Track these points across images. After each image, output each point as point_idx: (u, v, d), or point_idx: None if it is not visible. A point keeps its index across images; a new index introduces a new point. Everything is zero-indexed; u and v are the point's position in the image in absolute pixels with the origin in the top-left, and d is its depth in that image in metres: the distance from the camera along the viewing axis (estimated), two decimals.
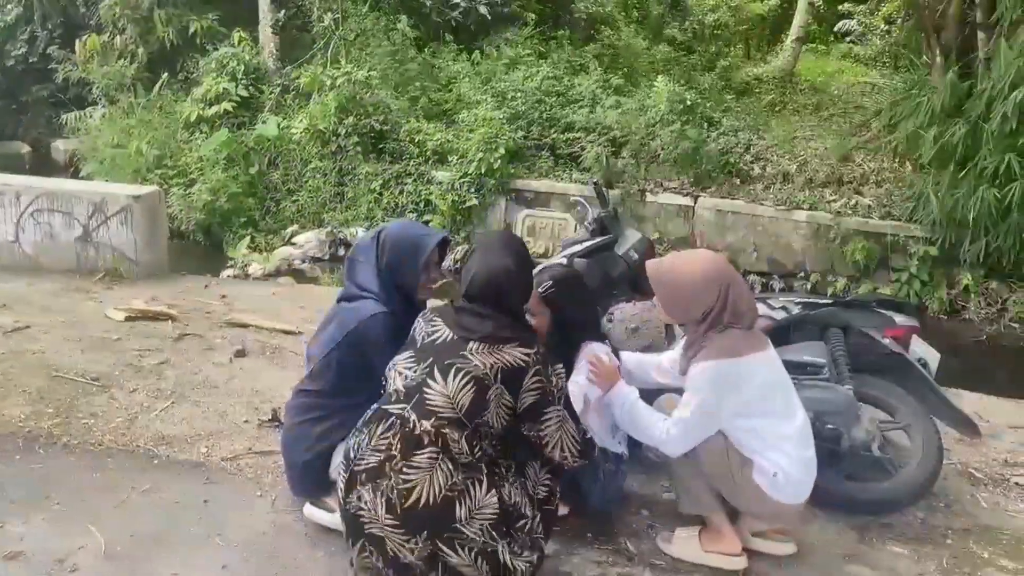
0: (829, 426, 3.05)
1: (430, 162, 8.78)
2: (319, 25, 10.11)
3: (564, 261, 3.54)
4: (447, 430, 2.26)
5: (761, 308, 3.39)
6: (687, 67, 11.74)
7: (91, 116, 10.81)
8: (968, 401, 4.16)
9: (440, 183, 8.55)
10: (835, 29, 13.99)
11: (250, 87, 9.86)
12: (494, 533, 2.27)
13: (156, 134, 9.68)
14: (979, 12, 7.54)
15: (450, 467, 2.25)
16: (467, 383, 2.27)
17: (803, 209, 7.86)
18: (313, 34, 10.38)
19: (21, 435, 3.38)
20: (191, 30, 10.48)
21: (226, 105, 9.56)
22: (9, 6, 12.24)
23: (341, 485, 2.35)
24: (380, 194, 8.81)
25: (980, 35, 7.54)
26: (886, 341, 3.22)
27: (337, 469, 2.46)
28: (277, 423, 3.61)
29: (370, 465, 2.28)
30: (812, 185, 8.17)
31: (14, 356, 4.17)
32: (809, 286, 7.80)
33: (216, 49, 10.23)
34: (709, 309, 2.59)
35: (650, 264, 2.71)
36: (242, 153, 9.21)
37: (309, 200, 9.02)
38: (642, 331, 4.12)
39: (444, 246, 2.91)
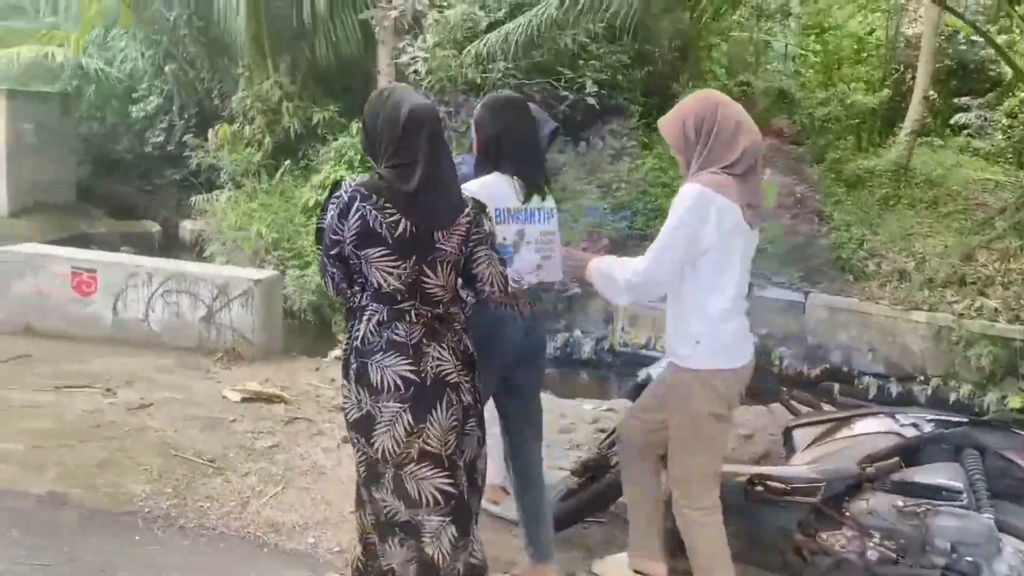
0: (968, 559, 2.82)
1: None
2: None
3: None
4: (452, 309, 2.58)
5: (888, 423, 3.22)
6: (795, 158, 11.60)
7: (217, 199, 11.52)
8: None
9: None
10: (951, 122, 13.61)
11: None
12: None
13: (276, 218, 10.22)
14: None
15: (465, 330, 2.62)
16: (451, 269, 2.55)
17: (922, 310, 7.52)
18: None
19: (141, 514, 3.50)
20: (314, 120, 11.13)
21: None
22: (151, 97, 13.33)
23: (404, 364, 2.47)
24: None
25: None
26: None
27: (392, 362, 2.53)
28: None
29: (423, 332, 2.51)
30: (932, 284, 7.83)
31: (137, 433, 4.36)
32: (929, 391, 7.40)
33: (336, 139, 10.81)
34: (699, 124, 2.63)
35: None
36: None
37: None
38: (756, 438, 3.98)
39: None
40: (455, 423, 2.50)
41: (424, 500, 2.46)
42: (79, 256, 6.25)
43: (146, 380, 5.19)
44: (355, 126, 10.87)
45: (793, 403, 3.63)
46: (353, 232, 2.44)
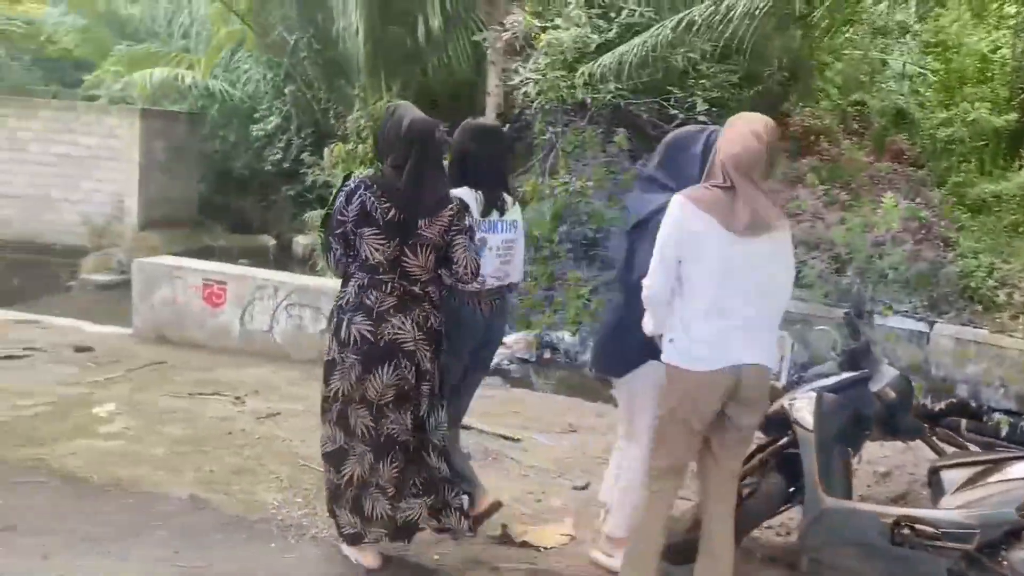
0: None
1: None
2: (541, 138, 10.62)
3: (811, 394, 3.34)
4: (429, 288, 3.13)
5: None
6: (916, 182, 11.13)
7: None
8: None
9: None
10: None
11: None
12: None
13: None
14: None
15: (436, 307, 3.17)
16: (430, 252, 3.09)
17: None
18: (534, 145, 10.91)
19: (275, 522, 3.62)
20: None
21: None
22: (271, 117, 13.92)
23: (366, 326, 3.03)
24: (588, 300, 8.90)
25: None
26: None
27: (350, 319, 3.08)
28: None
29: (393, 303, 3.06)
30: None
31: (266, 441, 4.53)
32: None
33: (445, 159, 10.97)
34: (711, 139, 2.90)
35: None
36: None
37: (518, 302, 9.25)
38: (894, 476, 3.80)
39: None
40: (399, 381, 3.06)
41: (357, 432, 3.12)
42: (211, 269, 6.57)
43: (272, 390, 5.39)
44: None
45: (937, 441, 3.46)
46: (353, 214, 3.05)
